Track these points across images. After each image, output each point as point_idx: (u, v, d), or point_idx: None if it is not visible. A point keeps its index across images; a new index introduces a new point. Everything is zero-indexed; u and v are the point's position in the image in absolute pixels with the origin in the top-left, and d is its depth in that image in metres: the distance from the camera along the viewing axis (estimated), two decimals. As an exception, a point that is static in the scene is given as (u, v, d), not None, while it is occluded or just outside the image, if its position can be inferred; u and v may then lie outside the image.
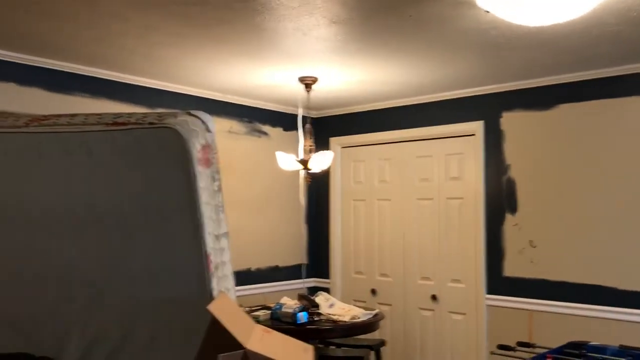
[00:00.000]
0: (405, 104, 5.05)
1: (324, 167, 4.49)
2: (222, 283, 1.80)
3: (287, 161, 4.39)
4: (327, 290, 5.34)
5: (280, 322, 3.88)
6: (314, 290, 5.33)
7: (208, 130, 1.80)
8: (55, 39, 3.37)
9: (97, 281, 1.79)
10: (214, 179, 1.79)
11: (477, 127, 4.66)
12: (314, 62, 3.83)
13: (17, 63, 3.65)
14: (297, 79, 4.22)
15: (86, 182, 1.73)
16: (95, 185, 1.73)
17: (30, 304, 1.89)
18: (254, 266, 5.10)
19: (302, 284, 5.54)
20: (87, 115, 1.85)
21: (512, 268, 4.43)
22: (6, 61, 3.60)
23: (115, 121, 1.76)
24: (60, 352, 1.89)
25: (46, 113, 2.07)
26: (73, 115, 1.86)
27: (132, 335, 1.85)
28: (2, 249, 1.86)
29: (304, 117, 4.79)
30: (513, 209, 4.44)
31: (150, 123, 1.71)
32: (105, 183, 1.73)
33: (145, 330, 1.83)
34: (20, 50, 3.56)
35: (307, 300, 4.14)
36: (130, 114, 1.83)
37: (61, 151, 1.75)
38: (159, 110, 4.31)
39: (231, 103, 4.96)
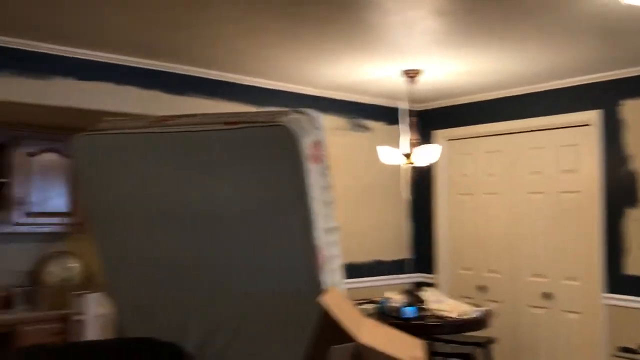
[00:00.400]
0: (514, 94, 4.86)
1: (431, 160, 4.43)
2: (332, 276, 1.83)
3: (390, 155, 4.37)
4: (431, 285, 5.27)
5: (385, 317, 3.88)
6: (418, 285, 5.28)
7: (318, 127, 1.83)
8: (172, 44, 3.58)
9: (215, 274, 1.88)
10: (324, 175, 1.82)
11: (593, 116, 4.40)
12: (418, 54, 3.78)
13: (139, 67, 3.90)
14: (400, 72, 4.19)
15: (205, 179, 1.83)
16: (212, 182, 1.82)
17: (156, 293, 2.02)
18: (357, 260, 5.14)
19: (406, 278, 5.50)
20: (203, 115, 1.95)
21: (635, 266, 4.15)
22: (129, 66, 3.86)
23: (229, 120, 1.84)
24: (181, 339, 2.01)
25: (165, 114, 2.20)
26: (191, 116, 1.96)
27: (246, 326, 1.92)
28: (131, 241, 2.01)
29: (407, 111, 4.74)
30: (635, 203, 4.15)
31: (262, 121, 1.77)
32: (222, 180, 1.81)
33: (258, 321, 1.90)
34: (141, 55, 3.81)
35: (413, 295, 4.11)
36: (242, 113, 1.91)
37: (182, 150, 1.85)
38: (268, 108, 4.45)
39: (335, 99, 5.01)
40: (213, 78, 4.24)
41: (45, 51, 3.54)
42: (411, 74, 4.16)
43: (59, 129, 4.54)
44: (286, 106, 4.50)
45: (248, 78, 4.39)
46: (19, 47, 3.45)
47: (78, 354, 2.11)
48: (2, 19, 3.12)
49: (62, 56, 3.60)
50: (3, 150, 4.50)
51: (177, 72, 4.07)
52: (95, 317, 4.30)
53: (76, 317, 4.32)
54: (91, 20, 3.16)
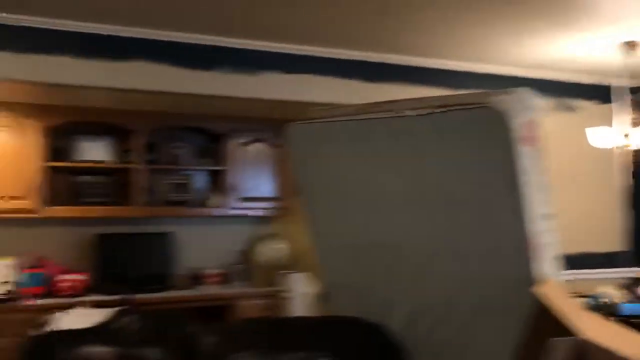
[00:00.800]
0: None
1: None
2: (547, 266, 1.74)
3: (602, 137, 3.98)
4: (652, 281, 4.72)
5: (599, 312, 3.57)
6: (636, 280, 4.76)
7: (529, 107, 1.74)
8: (372, 33, 3.65)
9: (422, 256, 1.89)
10: (537, 158, 1.73)
11: None
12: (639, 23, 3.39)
13: (339, 59, 4.05)
14: (617, 45, 3.79)
15: (411, 163, 1.84)
16: (419, 166, 1.82)
17: (364, 273, 2.09)
18: (563, 251, 4.78)
19: (620, 273, 4.99)
20: (407, 100, 1.96)
21: None
22: (331, 57, 4.02)
23: (435, 104, 1.82)
24: (386, 319, 2.05)
25: (363, 102, 2.25)
26: (396, 102, 1.98)
27: (452, 311, 1.90)
28: (342, 222, 2.11)
29: (624, 88, 4.28)
30: None
31: (470, 103, 1.73)
32: (429, 164, 1.81)
33: (465, 307, 1.87)
34: (341, 46, 3.94)
35: (633, 290, 3.73)
36: (449, 96, 1.88)
37: (389, 135, 1.89)
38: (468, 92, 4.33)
39: (538, 79, 4.69)
40: (411, 64, 4.23)
41: (255, 48, 3.84)
42: (631, 46, 3.74)
43: (267, 121, 4.89)
44: (486, 89, 4.33)
45: (446, 62, 4.31)
46: (233, 46, 3.79)
47: (291, 328, 2.27)
48: (220, 21, 3.45)
49: (270, 52, 3.87)
50: (220, 140, 4.98)
51: (374, 60, 4.14)
52: (301, 295, 4.60)
53: (284, 295, 4.65)
54: (297, 16, 3.35)
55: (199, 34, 3.66)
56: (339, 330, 2.10)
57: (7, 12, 3.23)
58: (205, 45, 3.72)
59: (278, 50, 3.88)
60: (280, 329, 2.24)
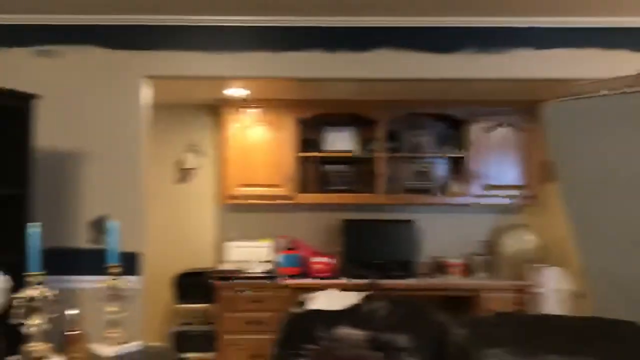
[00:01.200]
0: None
1: None
2: None
3: None
4: None
5: None
6: None
7: None
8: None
9: None
10: None
11: None
12: None
13: (600, 27, 3.57)
14: None
15: None
16: None
17: (636, 270, 1.81)
18: None
19: None
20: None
21: None
22: (588, 27, 3.58)
23: None
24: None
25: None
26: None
27: None
28: (607, 209, 1.85)
29: None
30: None
31: None
32: None
33: None
34: (603, 13, 3.47)
35: None
36: None
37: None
38: None
39: None
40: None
41: (503, 25, 3.59)
42: None
43: (512, 103, 4.62)
44: None
45: None
46: (478, 25, 3.60)
47: (549, 327, 2.07)
48: (462, 0, 3.31)
49: (520, 27, 3.58)
50: (462, 126, 4.84)
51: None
52: (554, 291, 4.24)
53: (533, 290, 4.35)
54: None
55: (441, 16, 3.56)
56: (609, 335, 1.85)
57: (263, 15, 3.52)
58: (450, 28, 3.60)
59: (529, 25, 3.58)
60: (537, 327, 2.07)
